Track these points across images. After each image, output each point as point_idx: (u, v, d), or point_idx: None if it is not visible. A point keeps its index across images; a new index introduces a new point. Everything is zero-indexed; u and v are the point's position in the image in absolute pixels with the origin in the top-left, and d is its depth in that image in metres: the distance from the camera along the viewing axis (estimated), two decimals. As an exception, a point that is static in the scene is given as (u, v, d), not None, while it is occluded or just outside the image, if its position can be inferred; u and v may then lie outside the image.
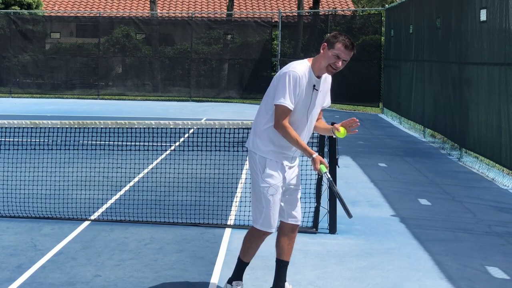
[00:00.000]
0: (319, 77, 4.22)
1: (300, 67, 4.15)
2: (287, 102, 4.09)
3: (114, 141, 7.63)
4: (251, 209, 4.40)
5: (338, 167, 5.94)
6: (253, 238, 4.39)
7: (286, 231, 4.42)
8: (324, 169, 4.12)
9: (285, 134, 4.14)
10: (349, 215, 4.04)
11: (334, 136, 4.39)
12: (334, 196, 6.18)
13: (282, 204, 4.36)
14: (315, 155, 4.13)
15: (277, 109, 4.13)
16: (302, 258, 5.43)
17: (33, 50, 23.95)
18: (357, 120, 4.28)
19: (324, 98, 4.36)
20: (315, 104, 4.26)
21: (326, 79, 4.33)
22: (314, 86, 4.19)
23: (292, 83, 4.09)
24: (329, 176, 4.14)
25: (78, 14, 28.67)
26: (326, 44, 4.14)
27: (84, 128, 6.87)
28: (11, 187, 7.41)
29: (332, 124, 4.43)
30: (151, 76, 23.71)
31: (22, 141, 7.40)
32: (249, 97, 22.85)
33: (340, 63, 4.10)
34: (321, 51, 4.16)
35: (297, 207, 4.42)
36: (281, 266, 4.46)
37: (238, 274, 4.52)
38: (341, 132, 4.27)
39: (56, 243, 5.73)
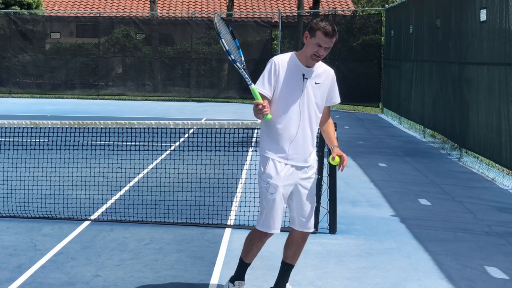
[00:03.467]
0: (308, 66, 4.13)
1: (281, 56, 4.17)
2: (259, 86, 4.09)
3: (114, 141, 7.62)
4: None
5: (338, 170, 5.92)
6: (254, 239, 4.34)
7: (296, 238, 4.34)
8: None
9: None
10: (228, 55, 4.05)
11: (331, 152, 4.33)
12: (334, 196, 6.19)
13: (293, 211, 4.27)
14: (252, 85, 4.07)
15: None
16: (302, 258, 5.41)
17: (33, 50, 23.96)
18: (345, 166, 4.17)
19: (326, 93, 4.22)
20: (311, 96, 4.15)
21: (329, 74, 4.23)
22: (303, 75, 4.11)
23: (268, 69, 4.11)
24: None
25: (78, 14, 28.67)
26: (308, 32, 4.08)
27: (84, 128, 6.86)
28: (11, 187, 7.41)
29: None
30: (151, 76, 23.72)
31: (22, 141, 7.40)
32: (249, 97, 22.78)
33: (322, 51, 4.03)
34: (304, 39, 4.11)
35: (308, 215, 4.27)
36: (285, 269, 4.43)
37: (240, 274, 4.49)
38: (335, 160, 4.17)
39: (56, 243, 5.73)
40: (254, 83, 4.13)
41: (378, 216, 6.94)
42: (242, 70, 4.15)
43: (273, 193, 4.15)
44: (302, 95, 4.13)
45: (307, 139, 4.19)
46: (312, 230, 4.37)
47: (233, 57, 4.13)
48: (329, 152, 4.31)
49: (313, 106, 4.18)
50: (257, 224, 4.28)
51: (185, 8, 30.98)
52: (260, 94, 4.09)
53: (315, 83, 4.16)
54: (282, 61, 4.11)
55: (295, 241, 4.35)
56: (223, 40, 4.08)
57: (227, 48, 4.10)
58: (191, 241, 5.89)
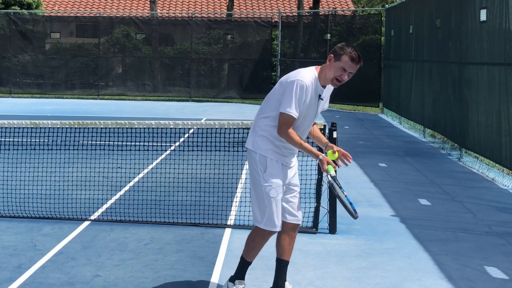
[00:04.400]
0: (324, 86, 4.26)
1: (308, 77, 4.17)
2: (293, 111, 4.12)
3: (114, 141, 7.63)
4: (252, 209, 4.41)
5: (338, 167, 5.93)
6: (258, 238, 4.41)
7: (287, 230, 4.43)
8: (332, 170, 4.14)
9: (289, 140, 4.19)
10: (353, 216, 4.07)
11: (324, 150, 4.41)
12: (334, 196, 6.18)
13: (283, 203, 4.38)
14: (322, 156, 4.18)
15: (281, 117, 4.16)
16: (302, 258, 5.43)
17: (33, 50, 23.95)
18: (351, 160, 4.31)
19: (325, 103, 4.41)
20: (318, 111, 4.34)
21: (330, 87, 4.37)
22: (319, 95, 4.24)
23: (299, 92, 4.11)
24: (330, 178, 4.15)
25: (78, 14, 28.67)
26: (332, 55, 4.15)
27: (84, 128, 6.87)
28: (11, 187, 7.41)
29: (330, 131, 4.45)
30: (151, 76, 23.71)
31: (22, 141, 7.41)
32: (249, 97, 22.85)
33: (346, 76, 4.13)
34: (328, 62, 4.18)
35: (297, 206, 4.45)
36: (282, 266, 4.46)
37: (240, 273, 4.52)
38: (335, 155, 4.26)
39: (56, 243, 5.73)
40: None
41: (378, 216, 6.94)
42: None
43: (276, 194, 4.27)
44: (315, 113, 4.30)
45: (304, 138, 4.39)
46: (301, 221, 4.49)
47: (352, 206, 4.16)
48: (321, 151, 4.41)
49: (317, 116, 4.39)
50: (259, 223, 4.33)
51: (185, 8, 30.99)
52: (290, 115, 4.12)
53: (322, 99, 4.31)
54: (309, 83, 4.16)
55: (286, 234, 4.43)
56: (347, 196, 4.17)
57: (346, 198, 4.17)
58: (191, 241, 5.89)
